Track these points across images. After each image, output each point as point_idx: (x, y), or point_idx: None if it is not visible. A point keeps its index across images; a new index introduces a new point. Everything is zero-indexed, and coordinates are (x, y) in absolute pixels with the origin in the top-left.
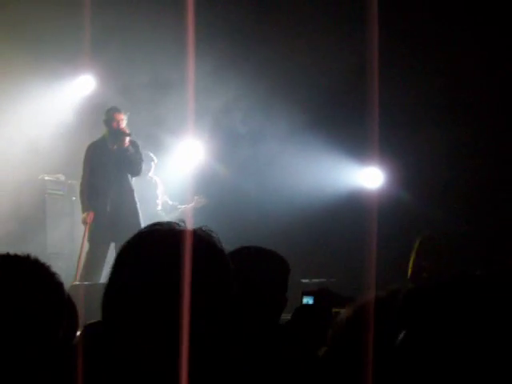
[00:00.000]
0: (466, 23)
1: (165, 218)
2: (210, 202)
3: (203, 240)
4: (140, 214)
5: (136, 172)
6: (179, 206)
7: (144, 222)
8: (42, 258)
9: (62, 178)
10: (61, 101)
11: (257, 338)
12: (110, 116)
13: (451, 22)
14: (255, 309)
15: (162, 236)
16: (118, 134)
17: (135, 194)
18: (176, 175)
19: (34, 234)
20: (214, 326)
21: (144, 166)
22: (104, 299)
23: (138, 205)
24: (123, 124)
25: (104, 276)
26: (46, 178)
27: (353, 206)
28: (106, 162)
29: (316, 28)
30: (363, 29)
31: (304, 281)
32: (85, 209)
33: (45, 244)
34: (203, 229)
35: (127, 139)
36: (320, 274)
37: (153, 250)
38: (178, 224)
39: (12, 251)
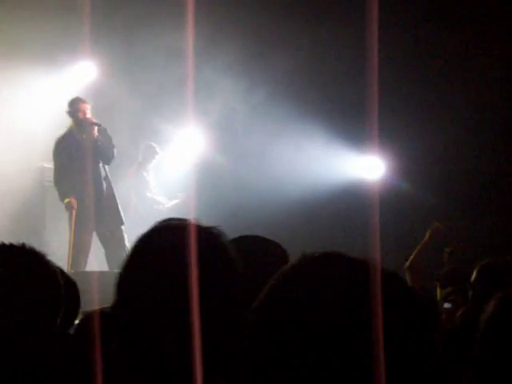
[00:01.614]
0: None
1: (159, 209)
2: (205, 196)
3: (212, 234)
4: (118, 201)
5: (108, 160)
6: (164, 202)
7: (139, 213)
8: (41, 246)
9: None
10: (60, 87)
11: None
12: (74, 107)
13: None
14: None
15: (175, 229)
16: (85, 123)
17: (111, 181)
18: (177, 166)
19: (34, 222)
20: (222, 314)
21: (144, 157)
22: (119, 286)
23: (115, 191)
24: (88, 114)
25: (89, 265)
26: (46, 165)
27: (353, 195)
28: (76, 154)
29: (315, 16)
30: (363, 16)
31: None
32: (64, 195)
33: (44, 232)
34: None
35: (95, 129)
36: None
37: (166, 242)
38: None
39: (11, 240)
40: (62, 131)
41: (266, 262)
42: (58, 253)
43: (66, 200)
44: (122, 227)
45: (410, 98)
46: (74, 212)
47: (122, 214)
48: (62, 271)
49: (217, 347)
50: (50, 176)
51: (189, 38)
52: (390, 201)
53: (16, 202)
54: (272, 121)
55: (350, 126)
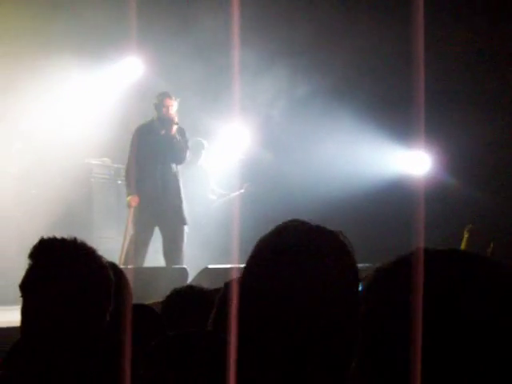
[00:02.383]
0: None
1: (213, 204)
2: (257, 189)
3: (337, 240)
4: (184, 200)
5: (181, 160)
6: (227, 193)
7: (192, 209)
8: (89, 242)
9: (107, 161)
10: (107, 84)
11: None
12: (160, 101)
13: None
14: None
15: (299, 231)
16: (166, 120)
17: (180, 181)
18: (223, 161)
19: (81, 218)
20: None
21: (194, 153)
22: (242, 286)
23: (183, 191)
24: (172, 110)
25: (147, 260)
26: (93, 161)
27: (399, 191)
28: (153, 147)
29: (362, 8)
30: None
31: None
32: (130, 192)
33: (91, 227)
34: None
35: (174, 127)
36: (365, 259)
37: (288, 243)
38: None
39: (59, 235)
40: (119, 126)
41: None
42: (106, 248)
43: (129, 197)
44: (184, 227)
45: (458, 91)
46: (131, 210)
47: (186, 214)
48: (115, 267)
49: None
50: (96, 172)
51: (234, 31)
52: (437, 196)
53: (63, 199)
54: (317, 116)
55: (397, 120)
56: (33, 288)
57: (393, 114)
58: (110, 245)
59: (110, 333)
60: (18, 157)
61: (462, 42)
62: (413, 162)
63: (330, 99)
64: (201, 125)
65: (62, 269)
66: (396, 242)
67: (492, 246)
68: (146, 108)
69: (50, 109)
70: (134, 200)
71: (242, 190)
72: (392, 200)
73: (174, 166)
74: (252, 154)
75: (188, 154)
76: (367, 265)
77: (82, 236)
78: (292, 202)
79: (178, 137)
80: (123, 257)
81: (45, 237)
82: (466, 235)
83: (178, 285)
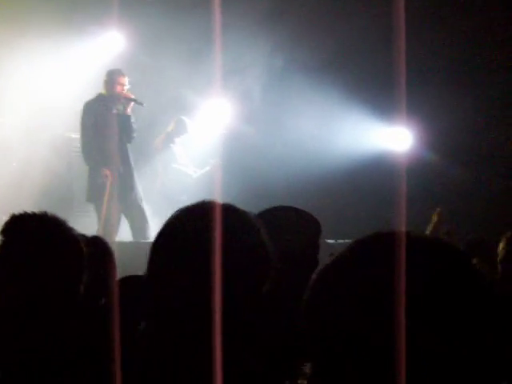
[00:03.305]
0: None
1: (187, 180)
2: (231, 166)
3: (237, 213)
4: (136, 178)
5: (131, 138)
6: (195, 171)
7: (171, 186)
8: (69, 216)
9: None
10: (89, 59)
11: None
12: (112, 78)
13: None
14: (286, 270)
15: (203, 209)
16: (122, 99)
17: (132, 158)
18: (202, 136)
19: (61, 192)
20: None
21: (176, 131)
22: (152, 255)
23: (134, 167)
24: (126, 88)
25: (120, 234)
26: (73, 135)
27: (380, 166)
28: (108, 125)
29: None
30: None
31: (329, 241)
32: (101, 165)
33: (71, 201)
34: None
35: (131, 105)
36: (346, 235)
37: (195, 220)
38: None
39: (38, 209)
40: (91, 97)
41: (298, 232)
42: (86, 222)
43: (104, 169)
44: (142, 200)
45: (440, 67)
46: (109, 182)
47: (141, 189)
48: (99, 239)
49: (241, 325)
50: (77, 146)
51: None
52: (418, 172)
53: (43, 173)
54: (299, 91)
55: (378, 96)
56: (3, 263)
57: (375, 90)
58: (91, 218)
59: (88, 304)
60: None
61: (445, 19)
62: (394, 138)
63: (312, 74)
64: (182, 99)
65: (32, 243)
66: (376, 218)
67: (448, 229)
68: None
69: (31, 82)
70: (110, 172)
71: (208, 168)
72: (373, 176)
73: (126, 143)
74: (233, 129)
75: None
76: (347, 241)
77: (61, 210)
78: (272, 176)
79: (132, 116)
80: (101, 231)
81: (16, 213)
82: (434, 219)
83: None
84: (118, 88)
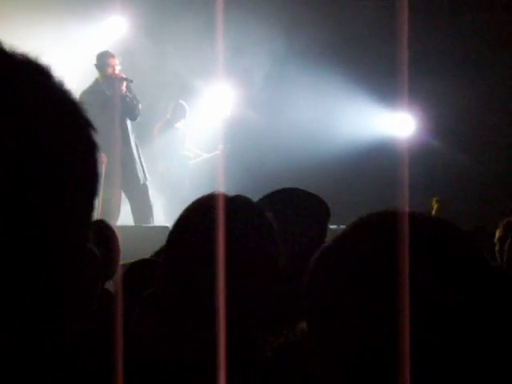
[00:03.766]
0: None
1: (189, 165)
2: (234, 150)
3: (246, 203)
4: (142, 157)
5: (135, 116)
6: (202, 153)
7: (170, 170)
8: None
9: None
10: (90, 42)
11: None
12: (103, 61)
13: None
14: (292, 253)
15: (206, 204)
16: (114, 79)
17: (135, 137)
18: (206, 121)
19: None
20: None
21: (173, 115)
22: (170, 240)
23: (139, 148)
24: (118, 69)
25: (121, 219)
26: None
27: (383, 152)
28: (103, 109)
29: None
30: None
31: (332, 227)
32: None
33: None
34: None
35: (124, 84)
36: (348, 220)
37: (199, 218)
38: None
39: None
40: (87, 84)
41: (307, 215)
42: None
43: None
44: (147, 183)
45: (443, 53)
46: (103, 167)
47: (146, 169)
48: (104, 223)
49: (248, 310)
50: None
51: None
52: (420, 158)
53: None
54: (302, 76)
55: (381, 81)
56: None
57: (378, 76)
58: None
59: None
60: None
61: (450, 6)
62: (397, 124)
63: (315, 60)
64: (185, 84)
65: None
66: (380, 203)
67: (436, 205)
68: (128, 67)
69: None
70: (104, 156)
71: (218, 152)
72: (376, 162)
73: (127, 124)
74: (236, 114)
75: (140, 107)
76: None
77: None
78: (275, 161)
79: (128, 94)
80: (101, 215)
81: None
82: (436, 205)
83: (161, 243)
84: (109, 70)
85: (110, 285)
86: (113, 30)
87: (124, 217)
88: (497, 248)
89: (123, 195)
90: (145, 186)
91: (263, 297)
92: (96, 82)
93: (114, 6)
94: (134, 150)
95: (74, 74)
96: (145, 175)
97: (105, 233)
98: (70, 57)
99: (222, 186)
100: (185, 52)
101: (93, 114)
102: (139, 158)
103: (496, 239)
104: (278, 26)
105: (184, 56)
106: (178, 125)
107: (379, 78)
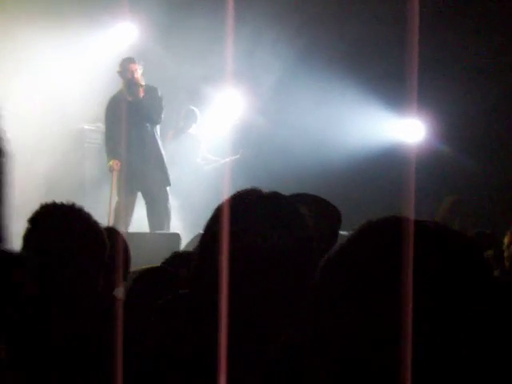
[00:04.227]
0: None
1: (205, 170)
2: (251, 155)
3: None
4: (165, 162)
5: (156, 120)
6: (218, 159)
7: (183, 176)
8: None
9: (101, 127)
10: (101, 50)
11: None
12: (123, 67)
13: None
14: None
15: (255, 196)
16: (132, 84)
17: (160, 143)
18: (218, 127)
19: (73, 184)
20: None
21: (185, 121)
22: (201, 245)
23: (164, 153)
24: (137, 74)
25: (132, 225)
26: (86, 127)
27: (393, 158)
28: (122, 115)
29: None
30: None
31: (342, 233)
32: (110, 157)
33: (83, 193)
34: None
35: (141, 89)
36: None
37: (243, 207)
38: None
39: (54, 200)
40: (113, 92)
41: (319, 221)
42: (98, 214)
43: (109, 162)
44: (168, 188)
45: (452, 59)
46: (114, 174)
47: (168, 175)
48: (114, 231)
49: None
50: (90, 137)
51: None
52: (430, 164)
53: (57, 164)
54: (311, 82)
55: (390, 87)
56: (29, 251)
57: (387, 82)
58: (102, 210)
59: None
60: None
61: (459, 11)
62: (406, 129)
63: (324, 66)
64: (195, 90)
65: (59, 232)
66: (388, 209)
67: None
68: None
69: (45, 74)
70: (116, 164)
71: (238, 156)
72: (385, 168)
73: (149, 128)
74: (246, 120)
75: (162, 112)
76: None
77: (75, 201)
78: (285, 167)
79: (146, 99)
80: (112, 222)
81: (45, 202)
82: (447, 203)
83: (171, 250)
84: (128, 75)
85: (119, 291)
86: (123, 37)
87: (139, 222)
88: (506, 254)
89: (141, 200)
90: (164, 192)
91: (294, 296)
92: (120, 89)
93: (124, 12)
94: (155, 155)
95: (85, 81)
96: (166, 181)
97: (115, 239)
98: (81, 64)
99: (228, 190)
100: (195, 59)
101: (112, 121)
102: (161, 162)
103: (505, 246)
104: (287, 32)
105: (194, 63)
106: (192, 131)
107: (389, 84)
